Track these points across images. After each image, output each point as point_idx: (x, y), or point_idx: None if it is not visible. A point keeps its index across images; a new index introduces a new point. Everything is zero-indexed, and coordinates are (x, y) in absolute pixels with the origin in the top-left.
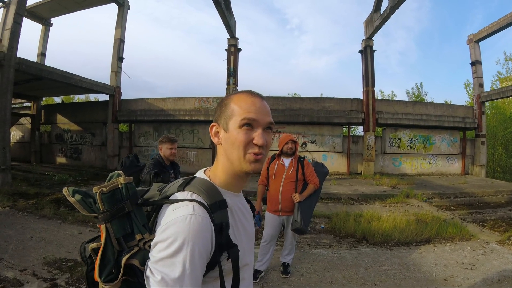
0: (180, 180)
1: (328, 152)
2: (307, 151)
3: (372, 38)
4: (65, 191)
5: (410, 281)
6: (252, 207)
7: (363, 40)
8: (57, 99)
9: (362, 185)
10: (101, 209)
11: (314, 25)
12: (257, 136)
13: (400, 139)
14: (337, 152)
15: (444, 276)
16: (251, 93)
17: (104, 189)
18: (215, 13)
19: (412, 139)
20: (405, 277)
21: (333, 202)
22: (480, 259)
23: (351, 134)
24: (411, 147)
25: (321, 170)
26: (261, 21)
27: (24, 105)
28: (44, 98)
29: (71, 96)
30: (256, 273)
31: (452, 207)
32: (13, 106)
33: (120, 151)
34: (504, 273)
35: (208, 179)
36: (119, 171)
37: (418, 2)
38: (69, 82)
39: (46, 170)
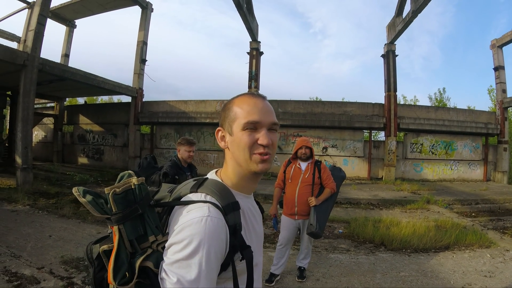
0: (191, 181)
1: (349, 156)
2: (328, 155)
3: (395, 43)
4: (75, 191)
5: None
6: (261, 208)
7: (385, 44)
8: (80, 100)
9: (382, 190)
10: (114, 210)
11: (337, 29)
12: (262, 136)
13: (421, 144)
14: (358, 157)
15: (462, 284)
16: (252, 94)
17: (117, 190)
18: (237, 16)
19: (433, 144)
20: (423, 284)
21: (352, 207)
22: (500, 266)
23: (372, 139)
24: (432, 153)
25: (338, 174)
26: (285, 25)
27: (48, 105)
28: (67, 99)
29: (94, 97)
30: (272, 276)
31: (473, 214)
32: (36, 106)
33: (141, 152)
34: None
35: (220, 181)
36: (130, 171)
37: (442, 7)
38: (92, 83)
39: (67, 170)
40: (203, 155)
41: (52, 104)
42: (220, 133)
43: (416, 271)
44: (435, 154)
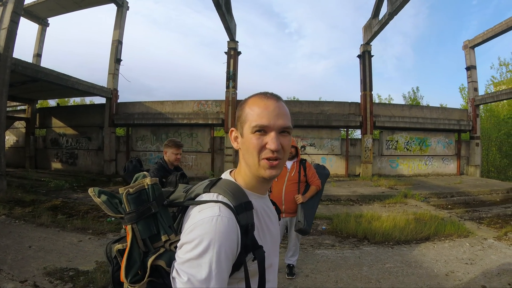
0: (206, 181)
1: (327, 155)
2: (306, 154)
3: (370, 44)
4: (91, 191)
5: (413, 278)
6: (278, 209)
7: (361, 45)
8: (52, 102)
9: (360, 187)
10: (127, 210)
11: (312, 29)
12: (270, 140)
13: (397, 141)
14: (336, 154)
15: (445, 272)
16: (264, 95)
17: (131, 190)
18: (213, 15)
19: (408, 141)
20: (408, 274)
21: (333, 203)
22: (479, 254)
23: (349, 137)
24: (407, 149)
25: (322, 172)
26: (261, 25)
27: (19, 108)
28: (39, 101)
29: (66, 99)
30: None
31: (449, 206)
32: (8, 109)
33: (117, 155)
34: (503, 267)
35: (234, 181)
36: (145, 172)
37: (415, 8)
38: (66, 84)
39: (41, 176)
40: (182, 157)
41: (24, 107)
42: (233, 133)
43: (401, 262)
44: (410, 151)
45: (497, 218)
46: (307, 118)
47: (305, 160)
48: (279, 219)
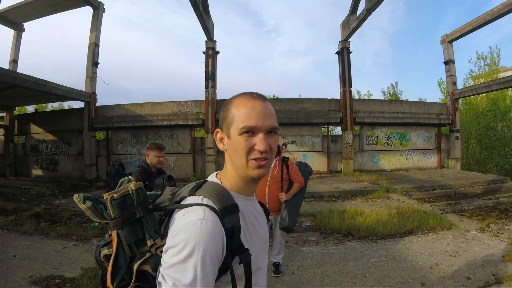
0: (192, 184)
1: (308, 152)
2: (288, 151)
3: (349, 40)
4: (76, 198)
5: (398, 271)
6: (266, 211)
7: (340, 41)
8: (30, 108)
9: (343, 183)
10: (112, 215)
11: (290, 27)
12: (259, 142)
13: (377, 136)
14: (317, 151)
15: (430, 264)
16: (251, 95)
17: (115, 195)
18: (190, 15)
19: (389, 136)
20: (393, 267)
21: (316, 200)
22: (463, 246)
23: (330, 134)
24: (388, 144)
25: (305, 169)
26: (238, 24)
27: None
28: (17, 108)
29: (44, 104)
30: None
31: (431, 199)
32: None
33: (97, 160)
34: (486, 258)
35: (220, 183)
36: (130, 177)
37: (392, 4)
38: (43, 90)
39: (23, 183)
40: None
41: (2, 114)
42: (218, 134)
43: (385, 256)
44: (391, 145)
45: (479, 210)
46: (288, 116)
47: (287, 158)
48: (268, 221)
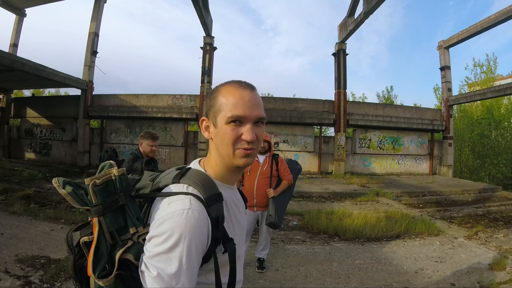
0: (173, 170)
1: (300, 151)
2: (280, 150)
3: (346, 42)
4: (55, 182)
5: (382, 274)
6: (245, 199)
7: (336, 43)
8: (27, 93)
9: (333, 184)
10: (94, 202)
11: (288, 26)
12: (246, 132)
13: (370, 140)
14: (309, 152)
15: (415, 269)
16: (239, 84)
17: (97, 181)
18: (190, 10)
19: (381, 140)
20: (377, 270)
21: (305, 200)
22: (449, 252)
23: (322, 135)
24: (380, 148)
25: (294, 167)
26: (236, 21)
27: None
28: (14, 91)
29: (41, 89)
30: None
31: (421, 205)
32: None
33: (91, 147)
34: (472, 266)
35: (204, 171)
36: (111, 162)
37: (391, 8)
38: (41, 75)
39: (15, 165)
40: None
41: None
42: (204, 122)
43: (371, 258)
44: (383, 149)
45: (468, 217)
46: (281, 115)
47: (278, 155)
48: (246, 208)
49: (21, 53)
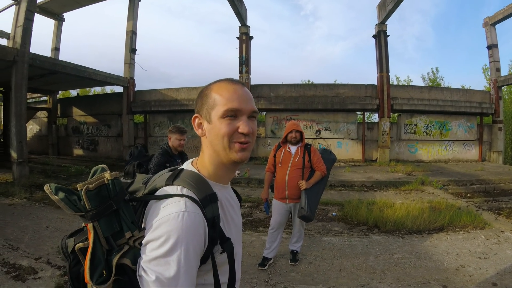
0: (166, 173)
1: (343, 139)
2: (322, 138)
3: (386, 23)
4: (47, 188)
5: (420, 270)
6: (239, 197)
7: (376, 24)
8: (74, 92)
9: (376, 172)
10: (88, 208)
11: (328, 10)
12: (242, 125)
13: (415, 125)
14: (352, 139)
15: (456, 266)
16: (231, 80)
17: (90, 186)
18: (226, 2)
19: (428, 125)
20: (416, 265)
21: (346, 189)
22: (494, 248)
23: (365, 121)
24: (427, 133)
25: (328, 157)
26: (275, 8)
27: (41, 99)
28: (60, 92)
29: (87, 89)
30: (265, 260)
31: (468, 195)
32: (30, 100)
33: (135, 141)
34: None
35: (197, 171)
36: (103, 166)
37: None
38: (83, 75)
39: (63, 162)
40: (197, 142)
41: (45, 98)
42: (197, 120)
43: (410, 253)
44: (430, 135)
45: None
46: (322, 102)
47: (310, 144)
48: (240, 206)
49: (65, 56)
